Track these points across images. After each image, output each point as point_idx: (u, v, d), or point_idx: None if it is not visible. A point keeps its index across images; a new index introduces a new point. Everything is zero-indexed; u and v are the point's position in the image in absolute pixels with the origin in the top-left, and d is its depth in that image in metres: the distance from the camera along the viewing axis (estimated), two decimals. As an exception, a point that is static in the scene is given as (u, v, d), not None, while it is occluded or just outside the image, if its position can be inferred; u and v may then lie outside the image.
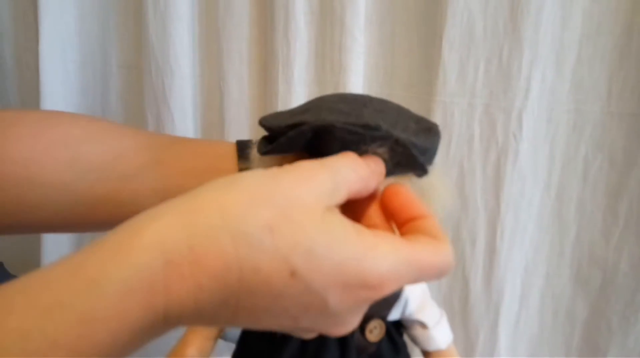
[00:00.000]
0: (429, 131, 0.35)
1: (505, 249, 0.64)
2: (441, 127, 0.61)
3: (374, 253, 0.25)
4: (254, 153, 0.37)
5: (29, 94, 0.84)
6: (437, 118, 0.62)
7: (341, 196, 0.27)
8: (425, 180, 0.38)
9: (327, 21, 0.64)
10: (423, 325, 0.42)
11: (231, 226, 0.24)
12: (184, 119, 0.75)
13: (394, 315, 0.41)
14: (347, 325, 0.27)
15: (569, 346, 0.65)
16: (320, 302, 0.25)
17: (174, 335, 0.45)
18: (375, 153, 0.31)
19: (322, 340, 0.39)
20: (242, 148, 0.42)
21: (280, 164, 0.29)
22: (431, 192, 0.39)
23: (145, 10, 0.72)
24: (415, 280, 0.27)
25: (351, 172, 0.28)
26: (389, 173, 0.33)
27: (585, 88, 0.59)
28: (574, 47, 0.58)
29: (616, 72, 0.58)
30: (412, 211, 0.29)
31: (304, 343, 0.39)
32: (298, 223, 0.24)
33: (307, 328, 0.26)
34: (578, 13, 0.58)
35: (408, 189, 0.31)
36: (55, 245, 0.88)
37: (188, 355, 0.43)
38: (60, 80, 0.82)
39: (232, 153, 0.40)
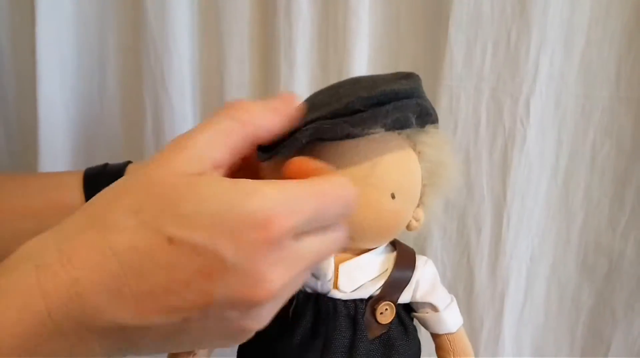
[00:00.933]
0: (408, 76, 0.36)
1: (511, 237, 0.63)
2: (447, 112, 0.61)
3: (254, 195, 0.24)
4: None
5: (25, 78, 0.83)
6: (443, 103, 0.61)
7: (205, 163, 0.27)
8: (435, 158, 0.39)
9: (330, 1, 0.62)
10: (434, 308, 0.41)
11: (96, 221, 0.24)
12: (182, 103, 0.73)
13: (404, 297, 0.40)
14: (267, 280, 0.25)
15: (574, 334, 0.65)
16: (216, 260, 0.23)
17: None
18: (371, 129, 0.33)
19: (333, 323, 0.38)
20: (92, 175, 0.42)
21: None
22: (441, 170, 0.39)
23: (144, -9, 0.71)
24: (316, 210, 0.26)
25: (209, 141, 0.28)
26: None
27: (593, 72, 0.58)
28: (582, 30, 0.57)
29: (625, 57, 0.57)
30: (309, 172, 0.28)
31: (315, 325, 0.39)
32: (160, 195, 0.24)
33: (228, 301, 0.24)
34: (587, -4, 0.57)
35: (305, 159, 0.30)
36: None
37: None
38: (57, 64, 0.80)
39: (78, 183, 0.40)
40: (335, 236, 0.28)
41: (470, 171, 0.62)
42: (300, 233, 0.26)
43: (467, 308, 0.66)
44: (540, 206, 0.63)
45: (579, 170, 0.61)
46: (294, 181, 0.26)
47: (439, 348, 0.43)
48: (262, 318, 0.27)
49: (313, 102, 0.36)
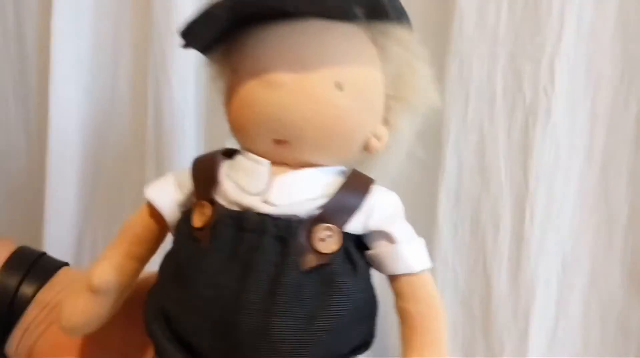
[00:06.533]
0: None
1: (537, 236, 0.53)
2: (457, 82, 0.54)
3: None
4: None
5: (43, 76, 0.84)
6: (452, 71, 0.54)
7: None
8: (401, 58, 0.34)
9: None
10: (390, 239, 0.34)
11: None
12: (184, 92, 0.71)
13: (354, 226, 0.33)
14: None
15: (622, 366, 0.52)
16: None
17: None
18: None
19: (257, 243, 0.32)
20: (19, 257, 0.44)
21: None
22: (409, 77, 0.35)
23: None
24: None
25: None
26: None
27: (633, 26, 0.49)
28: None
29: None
30: None
31: (235, 245, 0.32)
32: None
33: None
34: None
35: None
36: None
37: (101, 270, 0.36)
38: (72, 62, 0.81)
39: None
40: None
41: (485, 153, 0.54)
42: None
43: (484, 326, 0.55)
44: (572, 198, 0.53)
45: (621, 151, 0.51)
46: None
47: (397, 297, 0.35)
48: None
49: None
